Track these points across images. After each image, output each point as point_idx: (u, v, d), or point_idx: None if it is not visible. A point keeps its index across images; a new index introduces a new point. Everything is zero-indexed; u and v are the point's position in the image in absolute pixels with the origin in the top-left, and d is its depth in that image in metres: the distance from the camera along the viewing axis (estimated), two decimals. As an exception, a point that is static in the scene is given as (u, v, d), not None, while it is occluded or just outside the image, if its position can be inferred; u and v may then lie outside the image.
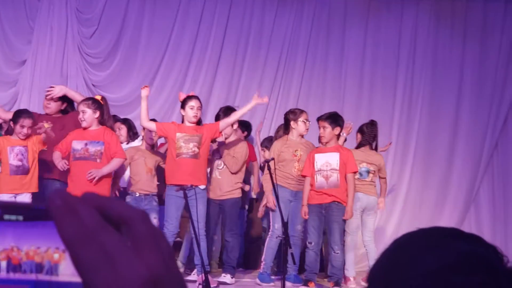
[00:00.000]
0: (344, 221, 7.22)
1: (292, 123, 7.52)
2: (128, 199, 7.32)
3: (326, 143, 7.29)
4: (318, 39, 10.34)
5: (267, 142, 8.25)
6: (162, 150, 7.84)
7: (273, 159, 6.50)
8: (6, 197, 6.62)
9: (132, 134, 8.09)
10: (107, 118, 6.95)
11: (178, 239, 8.08)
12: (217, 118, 7.52)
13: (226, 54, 10.20)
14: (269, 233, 7.48)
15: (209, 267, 7.37)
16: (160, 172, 7.54)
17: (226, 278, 7.31)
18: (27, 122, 6.73)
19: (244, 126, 8.46)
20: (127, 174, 7.56)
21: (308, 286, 7.12)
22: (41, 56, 9.91)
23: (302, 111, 7.61)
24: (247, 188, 8.45)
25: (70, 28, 9.97)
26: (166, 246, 0.62)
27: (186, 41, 10.16)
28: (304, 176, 7.30)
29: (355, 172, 7.27)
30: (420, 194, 10.24)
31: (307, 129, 7.57)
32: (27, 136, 6.76)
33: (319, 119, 7.35)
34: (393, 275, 0.95)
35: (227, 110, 7.48)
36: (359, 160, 7.48)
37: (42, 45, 9.92)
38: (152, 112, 9.46)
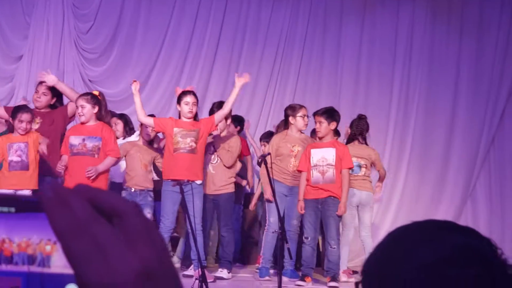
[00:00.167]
0: (340, 216, 7.24)
1: (290, 118, 7.53)
2: (124, 194, 7.32)
3: (322, 137, 7.31)
4: (315, 35, 10.34)
5: (268, 137, 8.26)
6: (162, 144, 7.84)
7: (269, 154, 6.50)
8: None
9: (129, 129, 8.09)
10: (104, 114, 6.95)
11: (175, 234, 8.08)
12: (211, 113, 7.53)
13: (222, 50, 10.19)
14: (265, 227, 7.50)
15: (206, 262, 7.38)
16: (157, 168, 7.55)
17: (223, 273, 7.32)
18: (25, 116, 6.72)
19: (237, 121, 8.45)
20: (122, 167, 7.55)
21: (304, 281, 7.13)
22: (37, 51, 9.90)
23: (301, 107, 7.61)
24: (244, 183, 8.45)
25: (67, 23, 9.95)
26: (159, 239, 0.62)
27: (182, 37, 10.15)
28: (300, 171, 7.31)
29: (350, 168, 7.29)
30: (417, 189, 10.26)
31: (306, 125, 7.58)
32: (27, 131, 6.74)
33: (315, 114, 7.36)
34: (387, 268, 0.95)
35: (221, 105, 7.49)
36: None
37: (38, 41, 9.91)
38: (148, 108, 9.45)
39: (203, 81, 10.07)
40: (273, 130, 8.52)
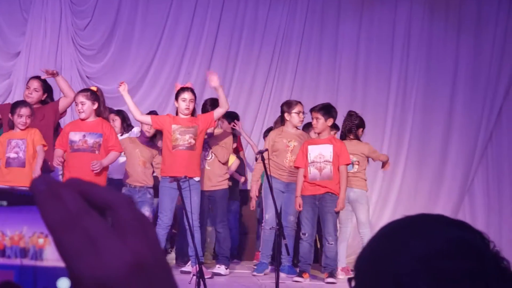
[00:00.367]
0: (338, 212, 7.24)
1: (286, 114, 7.54)
2: (123, 190, 7.35)
3: (319, 133, 7.31)
4: (312, 32, 10.33)
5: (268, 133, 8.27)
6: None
7: (267, 150, 6.51)
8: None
9: (126, 125, 8.09)
10: (103, 110, 6.96)
11: (174, 231, 8.08)
12: (204, 110, 7.52)
13: (220, 47, 10.19)
14: (262, 224, 7.52)
15: (203, 259, 7.39)
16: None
17: (221, 269, 7.32)
18: (24, 111, 6.71)
19: (231, 117, 8.45)
20: (121, 161, 7.55)
21: (302, 277, 7.14)
22: (35, 48, 9.89)
23: (297, 103, 7.61)
24: (242, 179, 8.46)
25: (64, 19, 9.94)
26: (152, 232, 0.62)
27: (180, 34, 10.14)
28: (297, 168, 7.32)
29: (348, 164, 7.28)
30: (415, 185, 10.27)
31: (301, 121, 7.58)
32: (27, 126, 6.74)
33: (312, 110, 7.36)
34: (380, 263, 0.95)
35: (214, 101, 7.50)
36: None
37: (36, 37, 9.90)
38: (146, 105, 9.46)
39: (201, 78, 10.05)
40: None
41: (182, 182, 5.89)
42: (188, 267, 7.08)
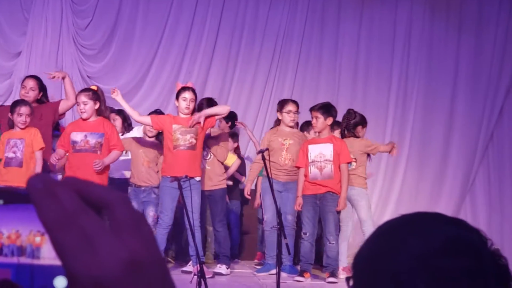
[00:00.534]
0: (339, 211, 7.23)
1: (278, 114, 7.60)
2: (129, 190, 7.41)
3: (319, 133, 7.31)
4: (313, 32, 10.33)
5: None
6: None
7: (267, 149, 6.52)
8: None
9: (127, 125, 8.09)
10: (103, 109, 6.97)
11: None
12: (201, 109, 7.52)
13: (221, 46, 10.19)
14: (263, 224, 7.52)
15: (204, 258, 7.39)
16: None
17: (222, 268, 7.32)
18: (23, 109, 6.72)
19: (228, 117, 8.45)
20: (121, 159, 7.55)
21: (303, 276, 7.14)
22: (36, 48, 9.89)
23: (288, 102, 7.63)
24: (243, 179, 8.46)
25: (65, 19, 9.94)
26: (147, 229, 0.62)
27: (180, 33, 10.14)
28: (298, 167, 7.32)
29: (349, 163, 7.27)
30: (416, 185, 10.27)
31: (292, 120, 7.55)
32: (27, 125, 6.74)
33: (311, 109, 7.36)
34: (379, 261, 0.95)
35: (209, 101, 7.52)
36: None
37: (37, 37, 9.89)
38: (147, 104, 9.47)
39: (202, 77, 10.06)
40: None
41: (183, 182, 5.89)
42: (189, 267, 7.08)
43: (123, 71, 9.97)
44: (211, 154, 7.54)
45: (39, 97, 7.30)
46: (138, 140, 7.64)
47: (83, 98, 6.75)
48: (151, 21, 10.10)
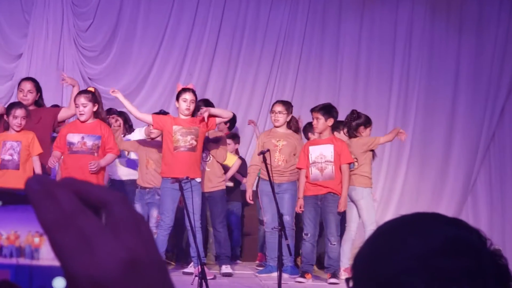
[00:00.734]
0: (340, 212, 7.21)
1: (270, 114, 7.69)
2: (136, 192, 7.49)
3: (320, 133, 7.31)
4: (314, 32, 10.34)
5: None
6: None
7: (268, 150, 6.51)
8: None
9: (128, 127, 8.10)
10: (101, 111, 6.95)
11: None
12: (197, 110, 7.50)
13: (222, 47, 10.19)
14: (264, 227, 7.52)
15: (205, 259, 7.38)
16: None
17: (228, 268, 7.33)
18: (19, 112, 6.70)
19: None
20: (117, 162, 7.56)
21: (305, 277, 7.13)
22: (37, 50, 9.90)
23: (275, 103, 7.71)
24: (244, 180, 8.46)
25: (66, 21, 9.95)
26: (146, 229, 0.62)
27: (181, 34, 10.15)
28: (299, 169, 7.32)
29: (350, 163, 7.27)
30: (417, 186, 10.27)
31: (276, 120, 7.54)
32: (22, 128, 6.72)
33: (312, 110, 7.35)
34: (379, 261, 0.95)
35: (206, 102, 7.52)
36: None
37: (38, 39, 9.91)
38: (148, 105, 9.48)
39: (203, 77, 10.07)
40: None
41: (183, 183, 5.89)
42: (190, 268, 7.07)
43: (124, 73, 9.98)
44: (210, 156, 7.55)
45: (36, 99, 7.28)
46: (142, 142, 7.64)
47: (82, 100, 6.73)
48: (152, 22, 10.11)
